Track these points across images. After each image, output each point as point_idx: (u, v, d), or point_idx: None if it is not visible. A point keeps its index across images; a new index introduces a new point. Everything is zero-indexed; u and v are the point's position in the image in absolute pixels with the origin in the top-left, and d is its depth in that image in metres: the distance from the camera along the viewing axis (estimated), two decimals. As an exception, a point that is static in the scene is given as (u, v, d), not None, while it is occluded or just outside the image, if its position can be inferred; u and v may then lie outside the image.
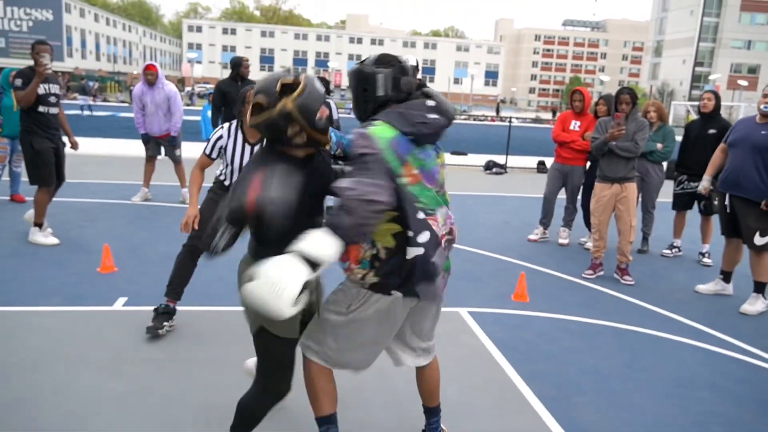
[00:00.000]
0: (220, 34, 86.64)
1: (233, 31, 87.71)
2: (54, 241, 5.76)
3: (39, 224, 5.78)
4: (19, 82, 5.45)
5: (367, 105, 2.27)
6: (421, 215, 2.20)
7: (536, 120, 44.47)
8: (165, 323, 3.84)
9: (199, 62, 68.95)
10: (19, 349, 3.54)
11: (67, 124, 6.11)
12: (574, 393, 3.41)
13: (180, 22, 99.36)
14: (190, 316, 4.17)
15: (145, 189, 7.97)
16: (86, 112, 26.96)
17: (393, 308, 2.32)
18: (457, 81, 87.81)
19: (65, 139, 6.04)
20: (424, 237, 2.21)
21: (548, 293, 5.14)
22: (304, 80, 2.09)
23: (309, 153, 2.20)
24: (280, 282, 1.90)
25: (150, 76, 7.38)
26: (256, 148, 3.63)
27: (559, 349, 3.99)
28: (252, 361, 2.95)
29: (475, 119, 42.89)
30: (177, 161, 7.84)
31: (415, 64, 6.44)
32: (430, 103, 2.26)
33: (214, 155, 3.68)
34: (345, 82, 79.53)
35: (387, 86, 2.22)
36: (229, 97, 7.05)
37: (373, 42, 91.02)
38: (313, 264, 1.96)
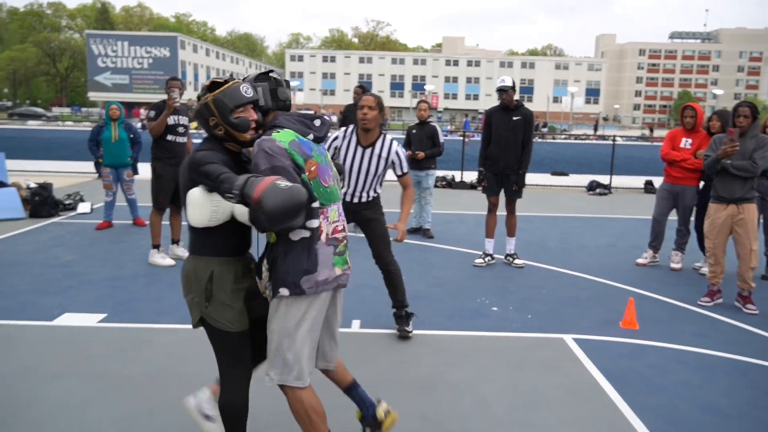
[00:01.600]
0: (320, 62, 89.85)
1: (332, 59, 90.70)
2: (170, 262, 6.15)
3: (156, 246, 6.19)
4: (152, 113, 6.01)
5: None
6: (316, 204, 2.45)
7: (642, 137, 42.50)
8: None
9: (301, 90, 71.74)
10: (140, 365, 3.78)
11: None
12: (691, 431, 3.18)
13: (283, 53, 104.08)
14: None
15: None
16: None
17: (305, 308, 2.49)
18: (556, 100, 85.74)
19: None
20: (311, 223, 2.44)
21: (660, 321, 4.86)
22: (232, 82, 2.44)
23: (237, 148, 2.51)
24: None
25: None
26: (368, 150, 4.18)
27: (672, 383, 3.74)
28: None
29: (575, 138, 41.64)
30: None
31: (511, 84, 6.36)
32: (317, 122, 2.57)
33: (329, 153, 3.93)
34: (442, 104, 79.92)
35: (266, 98, 2.52)
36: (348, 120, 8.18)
37: (469, 63, 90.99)
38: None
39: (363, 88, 8.07)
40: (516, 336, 4.47)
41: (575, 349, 4.22)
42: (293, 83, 74.41)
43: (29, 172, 12.86)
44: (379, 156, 4.19)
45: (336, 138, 4.17)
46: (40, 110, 57.83)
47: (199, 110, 2.45)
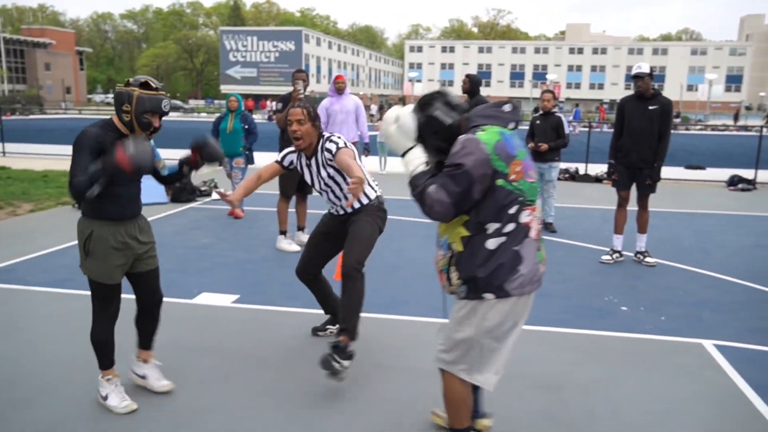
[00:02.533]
0: (439, 53, 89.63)
1: (452, 49, 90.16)
2: (296, 248, 6.40)
3: (283, 232, 6.47)
4: (279, 105, 6.27)
5: (441, 142, 2.40)
6: (514, 209, 2.33)
7: (792, 128, 38.51)
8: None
9: (419, 81, 72.05)
10: (271, 344, 3.98)
11: None
12: None
13: (402, 44, 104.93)
14: (416, 326, 4.33)
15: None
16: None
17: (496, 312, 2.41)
18: (691, 88, 79.78)
19: None
20: (509, 227, 2.35)
21: (817, 332, 4.38)
22: (160, 93, 2.92)
23: (126, 134, 2.94)
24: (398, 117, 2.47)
25: (341, 85, 7.90)
26: (312, 160, 3.70)
27: (835, 400, 3.36)
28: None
29: (713, 129, 38.56)
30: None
31: (648, 71, 5.97)
32: (507, 107, 2.47)
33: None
34: (564, 94, 76.98)
35: (448, 113, 2.40)
36: None
37: (594, 51, 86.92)
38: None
39: (470, 78, 7.72)
40: (648, 338, 4.22)
41: (717, 356, 3.91)
42: (412, 74, 75.00)
43: (170, 160, 13.89)
44: (323, 164, 3.66)
45: (292, 152, 3.78)
46: (178, 103, 62.42)
47: (121, 93, 2.89)
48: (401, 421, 3.07)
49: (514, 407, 3.21)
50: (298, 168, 3.75)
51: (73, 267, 5.63)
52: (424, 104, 2.43)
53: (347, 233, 3.64)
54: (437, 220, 2.39)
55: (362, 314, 3.54)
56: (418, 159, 2.42)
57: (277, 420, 3.06)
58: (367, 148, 8.36)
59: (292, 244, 6.45)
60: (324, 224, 3.88)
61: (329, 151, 3.55)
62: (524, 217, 2.36)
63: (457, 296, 2.49)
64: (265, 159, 13.43)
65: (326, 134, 3.65)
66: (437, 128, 2.38)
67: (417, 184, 2.37)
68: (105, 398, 3.11)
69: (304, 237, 6.66)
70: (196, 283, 5.22)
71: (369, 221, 3.65)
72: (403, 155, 2.46)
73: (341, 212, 3.77)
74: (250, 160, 8.34)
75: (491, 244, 2.34)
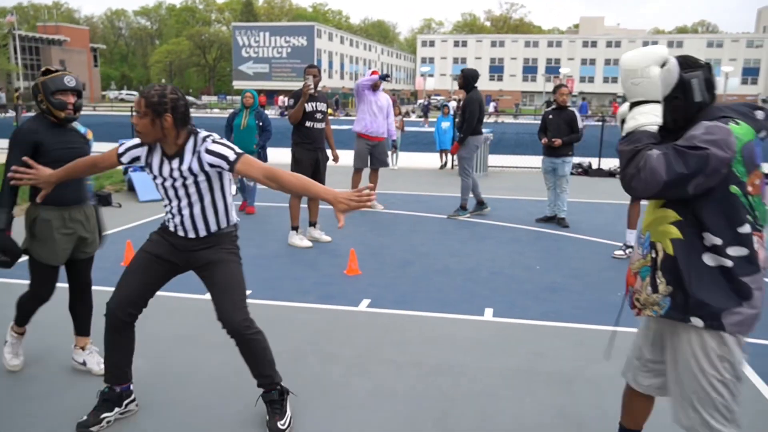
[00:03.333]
0: (452, 47, 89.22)
1: (464, 44, 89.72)
2: (308, 243, 6.42)
3: (295, 227, 6.49)
4: (291, 101, 6.27)
5: (678, 115, 2.05)
6: (746, 229, 1.97)
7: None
8: (104, 414, 2.90)
9: (431, 75, 71.85)
10: (280, 341, 3.99)
11: (332, 139, 6.83)
12: None
13: (414, 38, 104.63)
14: (429, 321, 4.33)
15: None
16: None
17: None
18: (706, 81, 78.86)
19: (329, 152, 6.73)
20: (737, 251, 1.97)
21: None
22: (60, 73, 3.14)
23: (57, 122, 3.16)
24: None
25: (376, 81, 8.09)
26: (174, 162, 2.78)
27: None
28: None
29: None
30: (384, 165, 8.28)
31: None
32: (760, 114, 2.04)
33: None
34: (577, 88, 76.41)
35: (703, 90, 2.02)
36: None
37: (608, 44, 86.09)
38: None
39: (464, 73, 7.74)
40: (662, 335, 4.18)
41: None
42: (424, 69, 74.80)
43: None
44: (189, 169, 2.73)
45: (137, 146, 2.89)
46: (191, 99, 62.73)
47: (32, 87, 3.14)
48: (414, 417, 3.07)
49: (525, 403, 3.20)
50: (148, 167, 2.87)
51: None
52: (688, 65, 2.06)
53: (204, 274, 2.94)
54: (631, 190, 2.00)
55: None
56: (656, 118, 2.02)
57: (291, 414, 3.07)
58: (395, 144, 8.45)
59: (303, 240, 6.46)
60: (156, 244, 2.91)
61: (219, 155, 2.69)
62: (756, 244, 1.99)
63: (649, 310, 2.14)
64: (277, 155, 13.50)
65: (202, 132, 2.78)
66: (682, 96, 2.03)
67: (639, 140, 1.99)
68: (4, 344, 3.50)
69: (316, 233, 6.67)
70: (209, 279, 5.25)
71: (235, 261, 2.92)
72: (636, 104, 2.07)
73: (188, 235, 2.86)
74: (262, 157, 8.34)
75: (708, 259, 2.00)
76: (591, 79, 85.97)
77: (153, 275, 2.90)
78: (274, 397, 2.96)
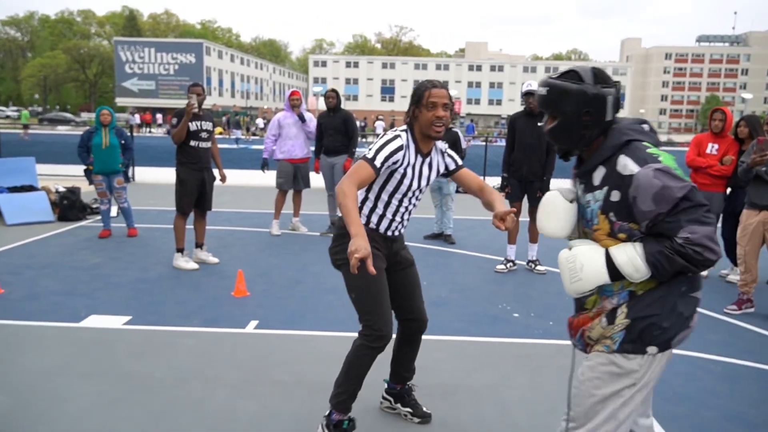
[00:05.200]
0: (344, 68, 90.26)
1: (356, 65, 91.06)
2: (194, 266, 6.22)
3: (180, 249, 6.28)
4: (174, 120, 6.09)
5: (586, 132, 1.97)
6: None
7: (669, 143, 41.93)
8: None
9: (323, 95, 72.19)
10: (164, 366, 3.84)
11: (219, 158, 6.68)
12: (717, 440, 3.13)
13: (306, 58, 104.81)
14: (317, 340, 4.33)
15: (276, 221, 8.19)
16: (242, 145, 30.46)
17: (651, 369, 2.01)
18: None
19: (216, 172, 6.55)
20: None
21: (685, 329, 4.78)
22: None
23: None
24: (577, 272, 1.98)
25: (296, 101, 7.97)
26: (428, 159, 2.91)
27: (697, 391, 3.69)
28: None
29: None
30: (307, 186, 8.20)
31: (536, 88, 6.31)
32: (646, 127, 2.06)
33: (384, 167, 2.76)
34: (465, 110, 79.69)
35: (613, 110, 1.97)
36: (322, 127, 7.94)
37: (492, 68, 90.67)
38: (615, 275, 1.94)
39: (335, 91, 8.05)
40: (538, 342, 4.45)
41: (598, 356, 4.17)
42: (316, 89, 75.05)
43: (58, 176, 13.13)
44: (438, 169, 2.99)
45: (400, 148, 2.78)
46: (69, 116, 59.08)
47: None
48: (298, 436, 3.06)
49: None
50: (407, 168, 2.83)
51: (-58, 293, 5.18)
52: (603, 80, 1.98)
53: (402, 273, 3.04)
54: (715, 260, 1.85)
55: None
56: (595, 252, 1.97)
57: (169, 444, 2.96)
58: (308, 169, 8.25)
59: (189, 262, 6.26)
60: (380, 259, 2.92)
61: (453, 158, 3.00)
62: None
63: (601, 344, 2.02)
64: (155, 175, 12.98)
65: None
66: (595, 113, 1.95)
67: (657, 258, 1.85)
68: None
69: (203, 254, 6.49)
70: (84, 306, 4.95)
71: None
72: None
73: (398, 233, 3.00)
74: (127, 177, 7.93)
75: (683, 287, 1.95)
76: (477, 101, 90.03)
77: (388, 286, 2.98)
78: (414, 387, 3.29)
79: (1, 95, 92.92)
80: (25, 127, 32.92)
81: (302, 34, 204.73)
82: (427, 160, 2.90)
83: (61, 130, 44.63)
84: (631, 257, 1.88)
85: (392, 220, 2.92)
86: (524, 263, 6.64)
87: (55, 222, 8.55)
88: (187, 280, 5.83)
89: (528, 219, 6.46)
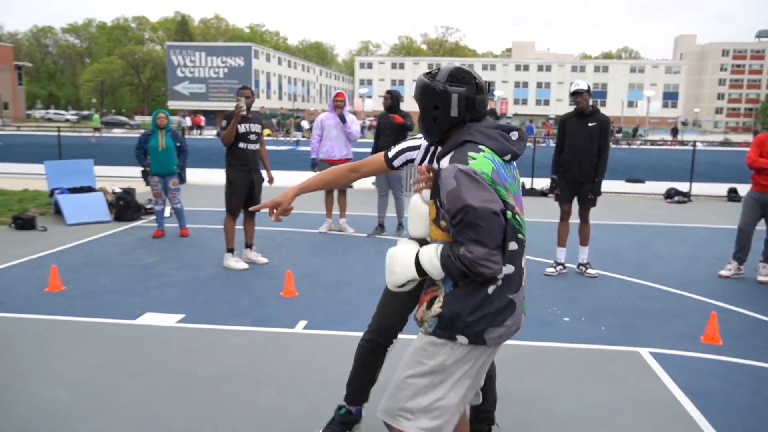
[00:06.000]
0: (389, 69, 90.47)
1: (401, 66, 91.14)
2: (244, 266, 6.33)
3: (230, 249, 6.39)
4: (224, 123, 6.19)
5: (436, 124, 2.13)
6: (513, 246, 2.08)
7: (726, 143, 40.48)
8: None
9: (370, 97, 72.40)
10: (214, 364, 3.92)
11: (267, 160, 6.79)
12: (781, 454, 2.99)
13: (353, 60, 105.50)
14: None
15: (329, 220, 8.44)
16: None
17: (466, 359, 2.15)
18: (631, 104, 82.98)
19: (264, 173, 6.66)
20: (508, 269, 2.08)
21: (746, 337, 4.60)
22: None
23: None
24: (392, 266, 2.20)
25: (340, 103, 8.09)
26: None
27: (758, 403, 3.53)
28: None
29: (652, 144, 40.12)
30: (349, 185, 8.28)
31: (585, 87, 6.15)
32: (514, 135, 2.14)
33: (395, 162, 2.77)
34: (512, 110, 78.77)
35: (461, 107, 2.08)
36: (380, 127, 8.01)
37: (539, 68, 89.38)
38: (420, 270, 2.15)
39: (390, 92, 8.07)
40: (588, 348, 4.35)
41: (652, 363, 4.06)
42: (362, 90, 75.48)
43: (114, 177, 13.57)
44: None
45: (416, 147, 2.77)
46: (124, 119, 60.96)
47: None
48: (346, 437, 3.06)
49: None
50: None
51: (7, 289, 5.42)
52: (456, 79, 2.09)
53: None
54: (491, 276, 2.03)
55: None
56: (411, 248, 2.16)
57: (220, 441, 3.02)
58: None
59: (239, 262, 6.37)
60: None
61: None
62: (522, 260, 2.12)
63: (423, 328, 2.20)
64: (205, 176, 13.24)
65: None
66: (441, 107, 2.09)
67: (446, 261, 2.04)
68: None
69: (252, 254, 6.60)
70: (140, 304, 5.10)
71: None
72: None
73: None
74: (182, 179, 8.15)
75: (490, 287, 2.08)
76: (524, 101, 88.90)
77: (411, 295, 2.79)
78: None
79: (61, 100, 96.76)
80: (96, 129, 35.55)
81: (348, 37, 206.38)
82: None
83: (117, 133, 46.15)
84: (430, 256, 2.08)
85: None
86: (575, 266, 6.51)
87: (112, 222, 8.83)
88: (237, 279, 5.94)
89: (579, 221, 6.33)
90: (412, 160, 2.76)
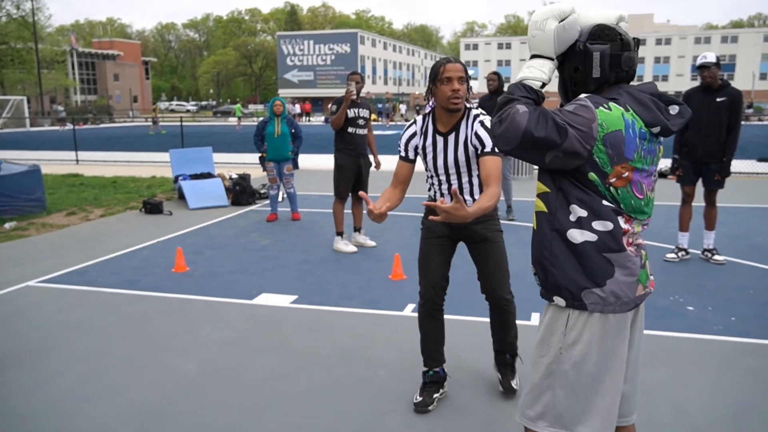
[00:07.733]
0: (495, 50, 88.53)
1: (508, 46, 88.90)
2: (353, 249, 6.47)
3: (340, 233, 6.54)
4: (334, 107, 6.32)
5: (578, 88, 1.93)
6: (606, 203, 1.85)
7: None
8: (435, 395, 3.21)
9: (475, 78, 71.40)
10: (328, 344, 4.03)
11: (374, 145, 6.88)
12: None
13: (458, 42, 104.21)
14: (475, 326, 4.29)
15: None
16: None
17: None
18: (764, 77, 75.98)
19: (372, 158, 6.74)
20: (602, 225, 1.86)
21: None
22: None
23: None
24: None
25: None
26: (450, 138, 3.02)
27: None
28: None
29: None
30: None
31: (714, 60, 5.69)
32: (673, 109, 1.88)
33: (410, 156, 3.13)
34: (625, 87, 74.53)
35: (604, 66, 1.86)
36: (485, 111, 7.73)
37: (658, 42, 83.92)
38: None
39: (497, 74, 7.79)
40: (718, 339, 4.04)
41: (793, 359, 3.71)
42: (469, 71, 74.28)
43: (230, 164, 14.31)
44: (465, 143, 3.01)
45: (413, 135, 3.14)
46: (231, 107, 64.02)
47: None
48: (471, 425, 3.05)
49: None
50: (427, 148, 3.09)
51: (140, 269, 5.86)
52: (599, 36, 1.88)
53: (476, 248, 3.16)
54: (494, 139, 1.86)
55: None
56: (543, 74, 1.89)
57: (334, 418, 3.10)
58: None
59: (348, 245, 6.51)
60: (433, 228, 3.20)
61: (481, 138, 2.94)
62: (622, 222, 1.87)
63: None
64: (313, 161, 13.58)
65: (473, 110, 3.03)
66: (582, 68, 1.90)
67: (513, 92, 1.88)
68: None
69: (361, 238, 6.71)
70: (256, 284, 5.35)
71: (502, 241, 3.17)
72: (534, 57, 1.92)
73: None
74: (295, 164, 8.40)
75: (575, 234, 1.88)
76: (640, 78, 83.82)
77: (444, 254, 3.19)
78: (509, 361, 3.29)
79: (182, 91, 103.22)
80: (239, 119, 40.37)
81: (453, 18, 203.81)
82: (451, 137, 3.01)
83: (232, 121, 48.55)
84: (542, 70, 1.93)
85: (438, 193, 3.14)
86: (699, 252, 6.07)
87: (229, 206, 9.32)
88: (346, 262, 6.07)
89: (703, 204, 5.90)
90: (417, 145, 3.09)
